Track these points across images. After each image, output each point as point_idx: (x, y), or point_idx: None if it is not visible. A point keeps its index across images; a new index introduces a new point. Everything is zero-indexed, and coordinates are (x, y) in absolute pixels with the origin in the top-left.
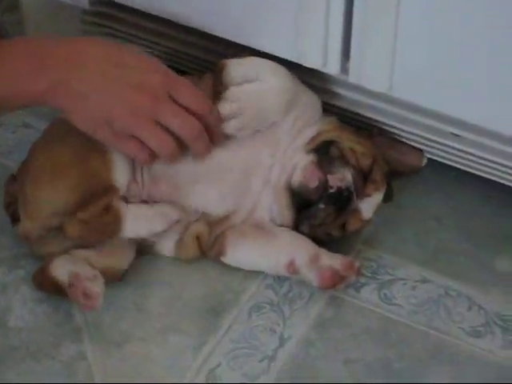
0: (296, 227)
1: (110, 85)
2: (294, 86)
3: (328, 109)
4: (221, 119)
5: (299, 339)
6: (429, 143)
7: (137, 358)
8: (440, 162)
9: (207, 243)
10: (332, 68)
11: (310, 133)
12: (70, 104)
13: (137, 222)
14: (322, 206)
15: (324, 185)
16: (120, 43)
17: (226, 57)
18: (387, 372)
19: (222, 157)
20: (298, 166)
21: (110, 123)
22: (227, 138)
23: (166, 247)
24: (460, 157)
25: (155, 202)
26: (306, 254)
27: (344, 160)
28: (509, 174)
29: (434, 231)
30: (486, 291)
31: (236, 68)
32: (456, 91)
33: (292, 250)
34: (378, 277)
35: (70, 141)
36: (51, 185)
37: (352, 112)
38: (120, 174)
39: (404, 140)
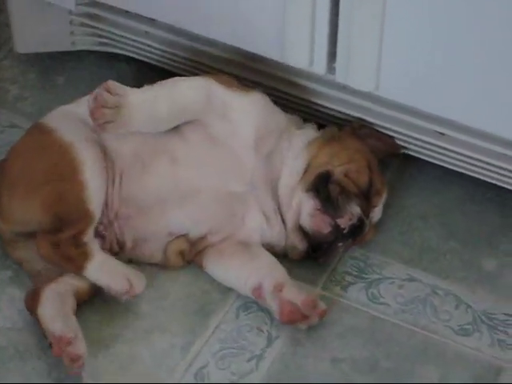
0: (307, 255)
1: None
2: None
3: (315, 108)
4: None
5: (287, 338)
6: (414, 142)
7: (124, 358)
8: (425, 161)
9: (189, 256)
10: (318, 68)
11: (299, 164)
12: None
13: (100, 272)
14: (340, 244)
15: (336, 228)
16: None
17: (216, 58)
18: (374, 371)
19: (184, 178)
20: (304, 210)
21: None
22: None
23: (152, 259)
24: (445, 155)
25: (122, 224)
26: (273, 282)
27: (345, 192)
28: (493, 171)
29: (420, 230)
30: (472, 290)
31: None
32: (441, 90)
33: (262, 275)
34: (365, 276)
35: (45, 156)
36: (25, 199)
37: (338, 111)
38: (94, 198)
39: (399, 145)
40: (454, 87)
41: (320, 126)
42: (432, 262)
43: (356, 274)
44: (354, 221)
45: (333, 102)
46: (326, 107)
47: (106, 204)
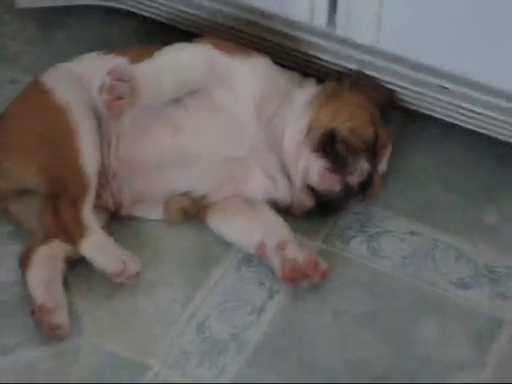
0: (311, 212)
1: None
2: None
3: (315, 62)
4: None
5: (288, 292)
6: (417, 96)
7: (125, 309)
8: (427, 116)
9: (192, 213)
10: (319, 21)
11: (301, 124)
12: None
13: (95, 251)
14: (350, 200)
15: (346, 185)
16: None
17: (217, 13)
18: (375, 323)
19: (184, 145)
20: (312, 170)
21: None
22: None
23: (152, 215)
24: (448, 109)
25: (120, 184)
26: (276, 239)
27: (352, 149)
28: (496, 125)
29: (422, 184)
30: (474, 243)
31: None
32: (444, 43)
33: (266, 232)
34: (367, 229)
35: (42, 118)
36: (21, 160)
37: (339, 65)
38: (89, 163)
39: (396, 95)
40: (457, 39)
41: (320, 81)
42: (433, 216)
43: (357, 227)
44: (364, 177)
45: (333, 56)
46: (327, 61)
47: (102, 164)
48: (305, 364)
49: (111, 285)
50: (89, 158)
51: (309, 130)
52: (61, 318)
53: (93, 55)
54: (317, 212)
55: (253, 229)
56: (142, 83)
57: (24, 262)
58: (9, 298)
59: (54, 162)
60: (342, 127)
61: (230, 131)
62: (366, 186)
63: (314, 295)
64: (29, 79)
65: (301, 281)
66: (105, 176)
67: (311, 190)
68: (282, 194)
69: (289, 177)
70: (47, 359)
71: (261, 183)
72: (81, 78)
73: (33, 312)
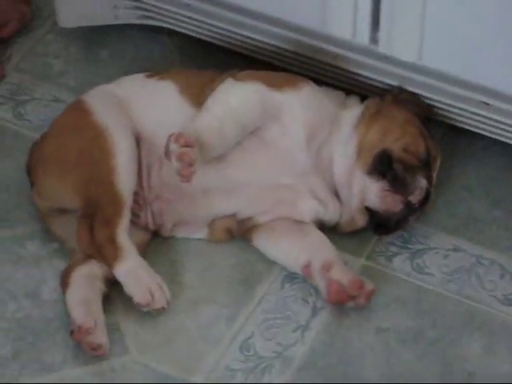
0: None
1: None
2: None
3: (358, 79)
4: None
5: (332, 309)
6: (459, 112)
7: (169, 328)
8: (470, 131)
9: (237, 233)
10: (361, 38)
11: (350, 146)
12: None
13: (127, 277)
14: (413, 217)
15: (408, 203)
16: None
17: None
18: (419, 341)
19: (232, 175)
20: (371, 192)
21: None
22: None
23: (195, 235)
24: (490, 125)
25: (163, 207)
26: (321, 260)
27: (410, 168)
28: None
29: (465, 200)
30: None
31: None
32: (485, 60)
33: (312, 253)
34: (410, 246)
35: (80, 138)
36: (58, 178)
37: (381, 82)
38: (125, 184)
39: (435, 110)
40: (499, 56)
41: (363, 98)
42: (477, 232)
43: (400, 244)
44: (423, 194)
45: (376, 73)
46: (369, 78)
47: (141, 186)
48: (349, 381)
49: None
50: (124, 179)
51: (359, 152)
52: (100, 338)
53: (135, 77)
54: (375, 231)
55: (299, 250)
56: (207, 141)
57: (64, 281)
58: (53, 316)
59: (89, 181)
60: (395, 146)
61: (280, 162)
62: (425, 202)
63: (358, 312)
64: (72, 98)
65: (346, 303)
66: (143, 198)
67: (369, 210)
68: (332, 215)
69: (339, 198)
70: (92, 377)
71: (310, 206)
72: (121, 100)
73: (72, 332)
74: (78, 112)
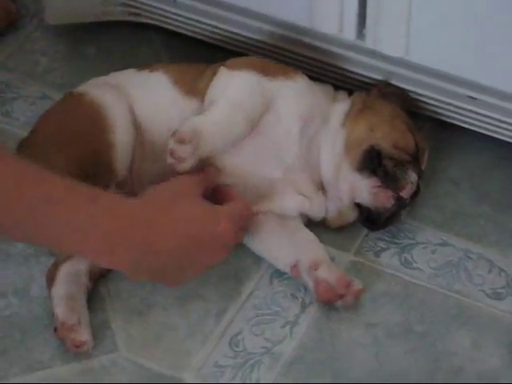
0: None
1: (183, 257)
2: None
3: (344, 74)
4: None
5: (320, 305)
6: (445, 106)
7: (159, 325)
8: (456, 125)
9: None
10: (348, 34)
11: (338, 142)
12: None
13: None
14: (403, 212)
15: (399, 198)
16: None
17: (245, 26)
18: (408, 335)
19: (218, 163)
20: (362, 189)
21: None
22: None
23: None
24: (476, 119)
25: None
26: (309, 260)
27: (400, 163)
28: None
29: (452, 194)
30: (505, 253)
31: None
32: (472, 54)
33: (299, 252)
34: (398, 241)
35: (75, 116)
36: (51, 155)
37: (368, 77)
38: (120, 159)
39: (421, 104)
40: (485, 50)
41: (350, 93)
42: (465, 227)
43: (388, 239)
44: (414, 188)
45: (363, 68)
46: (356, 73)
47: (131, 176)
48: (338, 376)
49: (142, 300)
50: (120, 156)
51: (347, 149)
52: (83, 335)
53: (126, 71)
54: (367, 227)
55: (287, 249)
56: (210, 138)
57: (49, 278)
58: (42, 313)
59: (83, 157)
60: (384, 142)
61: (270, 153)
62: (414, 196)
63: (347, 307)
64: (60, 95)
65: (335, 301)
66: (131, 187)
67: (359, 206)
68: (317, 210)
69: (324, 193)
70: (80, 374)
71: (295, 201)
72: (117, 86)
73: (55, 329)
74: (71, 97)
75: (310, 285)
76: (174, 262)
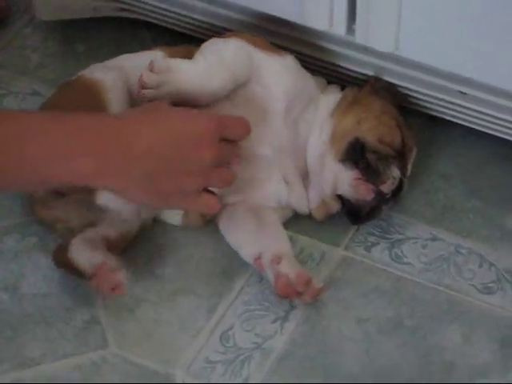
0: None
1: (166, 167)
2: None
3: (335, 70)
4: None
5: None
6: (436, 102)
7: (149, 321)
8: (447, 121)
9: (209, 215)
10: (338, 29)
11: (325, 131)
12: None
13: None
14: (384, 206)
15: (380, 192)
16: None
17: (235, 22)
18: (399, 330)
19: None
20: (343, 180)
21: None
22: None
23: (172, 219)
24: (466, 114)
25: None
26: (271, 253)
27: (383, 158)
28: None
29: (442, 189)
30: (496, 248)
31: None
32: (462, 49)
33: (264, 245)
34: (388, 236)
35: (73, 94)
36: None
37: (359, 73)
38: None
39: (411, 99)
40: (475, 45)
41: (342, 88)
42: (455, 221)
43: (379, 234)
44: (396, 184)
45: (353, 64)
46: (347, 68)
47: None
48: (329, 372)
49: (133, 296)
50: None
51: (333, 140)
52: (121, 276)
53: (125, 55)
54: (349, 219)
55: (253, 241)
56: (183, 80)
57: (61, 251)
58: (32, 310)
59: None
60: (369, 135)
61: (259, 127)
62: (397, 192)
63: (337, 302)
64: (50, 91)
65: (293, 298)
66: None
67: (340, 198)
68: (296, 200)
69: (308, 183)
70: (71, 370)
71: (276, 188)
72: (116, 67)
73: (91, 277)
74: (67, 81)
75: (271, 279)
76: (159, 165)
